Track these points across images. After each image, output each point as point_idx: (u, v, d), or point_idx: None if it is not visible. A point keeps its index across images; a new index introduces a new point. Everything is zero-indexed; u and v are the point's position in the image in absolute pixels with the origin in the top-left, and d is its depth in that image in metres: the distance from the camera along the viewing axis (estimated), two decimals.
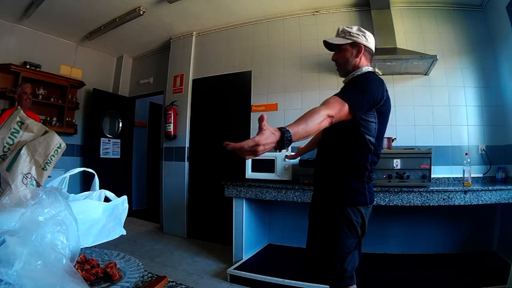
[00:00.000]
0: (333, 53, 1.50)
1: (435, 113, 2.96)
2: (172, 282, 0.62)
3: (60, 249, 0.48)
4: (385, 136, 2.75)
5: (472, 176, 2.41)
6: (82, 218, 0.60)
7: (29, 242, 0.44)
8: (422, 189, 2.24)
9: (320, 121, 1.10)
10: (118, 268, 0.60)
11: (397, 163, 2.46)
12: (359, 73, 1.40)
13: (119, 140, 4.86)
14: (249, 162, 3.00)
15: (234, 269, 2.55)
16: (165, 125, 4.02)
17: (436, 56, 2.60)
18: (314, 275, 1.43)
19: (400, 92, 3.05)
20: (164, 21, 3.82)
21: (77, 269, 0.50)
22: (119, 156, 4.85)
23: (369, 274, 2.42)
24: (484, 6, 3.00)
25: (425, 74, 3.00)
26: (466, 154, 2.52)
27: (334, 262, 1.31)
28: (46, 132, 0.84)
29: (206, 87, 3.97)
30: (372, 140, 1.33)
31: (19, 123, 0.82)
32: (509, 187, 2.25)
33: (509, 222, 2.59)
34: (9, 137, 0.80)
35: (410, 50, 2.86)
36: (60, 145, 0.83)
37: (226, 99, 3.84)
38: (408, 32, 3.11)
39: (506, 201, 2.25)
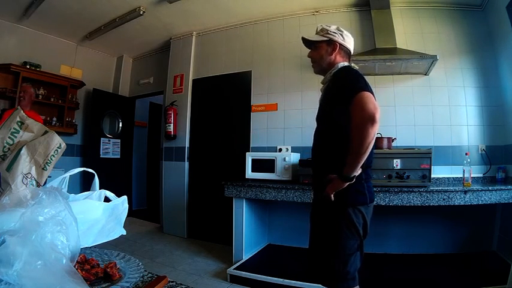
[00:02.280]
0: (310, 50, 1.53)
1: (435, 113, 2.96)
2: (172, 282, 0.62)
3: (60, 249, 0.48)
4: (385, 136, 2.78)
5: (472, 176, 2.41)
6: (82, 218, 0.60)
7: (29, 242, 0.44)
8: (422, 189, 2.24)
9: (364, 137, 1.17)
10: (118, 268, 0.60)
11: (397, 163, 2.46)
12: (336, 69, 1.42)
13: (119, 140, 4.86)
14: (249, 162, 3.00)
15: (234, 269, 2.54)
16: (165, 125, 4.02)
17: (436, 56, 2.60)
18: (317, 276, 1.42)
19: (400, 92, 3.06)
20: (164, 21, 3.82)
21: (77, 269, 0.50)
22: (119, 156, 4.85)
23: (369, 274, 2.42)
24: (484, 6, 3.00)
25: (425, 74, 3.00)
26: (466, 154, 2.51)
27: (337, 264, 1.30)
28: (46, 132, 0.84)
29: (206, 87, 3.97)
30: None
31: (19, 123, 0.82)
32: (509, 187, 2.25)
33: (509, 222, 2.59)
34: (9, 137, 0.80)
35: (410, 50, 2.86)
36: (60, 145, 0.83)
37: (227, 99, 3.84)
38: (408, 32, 3.11)
39: (506, 201, 2.25)
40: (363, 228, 1.34)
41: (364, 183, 1.34)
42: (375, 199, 2.26)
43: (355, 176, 1.25)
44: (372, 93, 1.28)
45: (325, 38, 1.44)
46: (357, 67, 1.49)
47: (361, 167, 1.29)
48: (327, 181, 1.33)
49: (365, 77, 1.39)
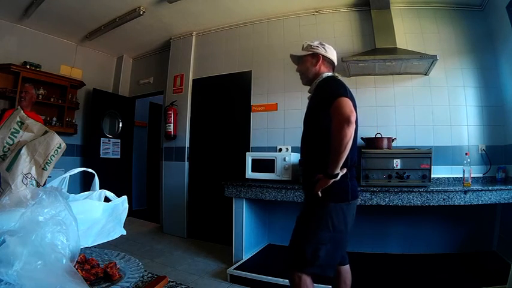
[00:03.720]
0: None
1: (435, 113, 2.96)
2: (172, 282, 0.62)
3: (60, 249, 0.48)
4: (385, 136, 2.78)
5: (472, 176, 2.41)
6: (82, 218, 0.60)
7: (29, 242, 0.44)
8: (422, 189, 2.24)
9: (340, 138, 1.30)
10: (118, 268, 0.60)
11: (397, 163, 2.46)
12: (320, 79, 1.57)
13: (119, 140, 4.86)
14: (249, 162, 3.00)
15: (234, 269, 2.54)
16: (165, 125, 4.02)
17: (436, 56, 2.60)
18: (289, 260, 1.50)
19: (400, 92, 3.06)
20: (164, 21, 3.82)
21: (77, 269, 0.50)
22: (119, 156, 4.85)
23: (369, 274, 2.42)
24: (484, 6, 3.00)
25: (425, 74, 3.00)
26: (466, 154, 2.52)
27: (308, 249, 1.41)
28: (46, 132, 0.84)
29: (206, 87, 3.97)
30: None
31: (19, 123, 0.82)
32: (509, 187, 2.25)
33: (509, 222, 2.59)
34: (9, 137, 0.80)
35: (410, 50, 2.86)
36: (60, 145, 0.83)
37: (227, 99, 3.84)
38: (408, 32, 3.11)
39: (506, 201, 2.25)
40: (343, 224, 1.44)
41: (348, 181, 1.46)
42: (376, 199, 2.29)
43: (338, 173, 1.38)
44: (352, 99, 1.44)
45: (310, 52, 1.62)
46: (340, 77, 1.66)
47: (346, 167, 1.42)
48: (316, 181, 1.45)
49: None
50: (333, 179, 1.38)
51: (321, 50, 1.60)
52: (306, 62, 1.63)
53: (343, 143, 1.31)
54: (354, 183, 1.51)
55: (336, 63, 1.68)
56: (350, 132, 1.30)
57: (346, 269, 1.65)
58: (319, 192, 1.42)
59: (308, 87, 1.67)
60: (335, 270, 1.54)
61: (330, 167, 1.37)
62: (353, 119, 1.31)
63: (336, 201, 1.43)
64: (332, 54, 1.64)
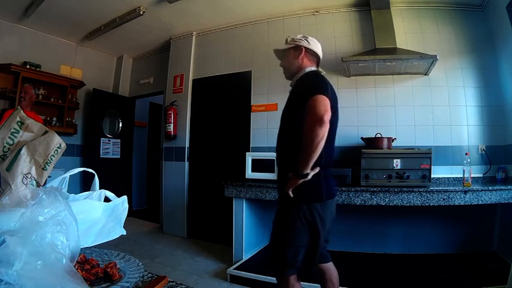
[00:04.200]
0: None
1: (435, 113, 2.96)
2: (172, 282, 0.62)
3: (60, 249, 0.48)
4: (385, 136, 2.78)
5: (472, 176, 2.41)
6: (82, 218, 0.60)
7: (29, 242, 0.44)
8: (422, 189, 2.24)
9: (313, 137, 1.25)
10: (118, 268, 0.60)
11: (397, 163, 2.46)
12: (302, 74, 1.53)
13: (119, 140, 4.86)
14: (249, 162, 3.00)
15: (234, 269, 2.55)
16: (165, 125, 4.02)
17: (436, 56, 2.60)
18: (273, 265, 1.50)
19: (400, 92, 3.06)
20: (164, 21, 3.82)
21: (77, 269, 0.50)
22: (119, 156, 4.85)
23: (369, 274, 2.43)
24: (484, 6, 3.00)
25: (425, 74, 3.00)
26: (466, 154, 2.52)
27: (289, 254, 1.39)
28: (46, 132, 0.84)
29: (206, 87, 3.97)
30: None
31: (19, 123, 0.82)
32: (509, 187, 2.25)
33: (509, 222, 2.59)
34: (9, 137, 0.80)
35: (410, 50, 2.86)
36: (60, 145, 0.83)
37: (227, 99, 3.84)
38: (408, 32, 3.11)
39: (506, 201, 2.25)
40: (320, 224, 1.40)
41: (322, 180, 1.41)
42: (376, 199, 2.29)
43: (308, 173, 1.33)
44: (334, 96, 1.40)
45: (292, 45, 1.57)
46: (324, 72, 1.58)
47: (319, 165, 1.37)
48: (287, 179, 1.41)
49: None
50: (303, 179, 1.34)
51: (303, 43, 1.55)
52: (289, 55, 1.58)
53: (314, 143, 1.25)
54: (330, 182, 1.47)
55: (320, 56, 1.62)
56: (322, 132, 1.25)
57: (329, 266, 1.62)
58: (290, 192, 1.38)
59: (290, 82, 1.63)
60: (316, 267, 1.54)
61: (299, 166, 1.33)
62: (327, 118, 1.25)
63: (308, 203, 1.39)
64: (316, 46, 1.59)
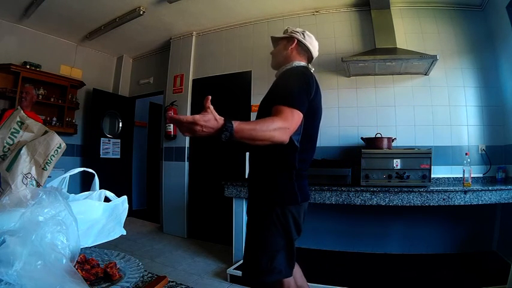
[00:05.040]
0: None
1: (435, 113, 2.96)
2: (172, 282, 0.62)
3: (60, 249, 0.48)
4: (385, 136, 2.77)
5: (472, 176, 2.40)
6: (82, 218, 0.60)
7: (29, 242, 0.44)
8: (422, 189, 2.24)
9: (272, 129, 1.11)
10: (118, 268, 0.60)
11: (397, 163, 2.46)
12: (289, 67, 1.46)
13: (119, 140, 4.86)
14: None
15: (234, 269, 2.54)
16: (165, 125, 4.02)
17: (436, 56, 2.60)
18: (246, 272, 1.44)
19: (400, 92, 3.05)
20: (164, 21, 3.82)
21: (77, 269, 0.50)
22: (119, 156, 4.84)
23: (369, 274, 2.43)
24: (484, 6, 3.00)
25: (425, 74, 3.00)
26: (466, 154, 2.51)
27: (263, 260, 1.31)
28: (46, 132, 0.84)
29: (206, 87, 3.96)
30: (298, 138, 1.28)
31: (19, 123, 0.82)
32: (509, 187, 2.25)
33: (509, 222, 2.59)
34: (9, 137, 0.80)
35: (410, 50, 2.85)
36: (60, 145, 0.83)
37: (227, 99, 3.82)
38: (408, 32, 3.11)
39: (506, 201, 2.25)
40: (294, 227, 1.32)
41: (294, 182, 1.32)
42: (376, 199, 2.29)
43: (231, 133, 1.04)
44: (317, 96, 1.34)
45: (287, 35, 1.53)
46: (313, 69, 1.49)
47: (293, 168, 1.30)
48: (261, 178, 1.36)
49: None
50: (219, 132, 1.04)
51: (298, 35, 1.50)
52: (280, 44, 1.56)
53: (266, 137, 1.10)
54: (304, 183, 1.38)
55: (314, 55, 1.55)
56: (277, 139, 1.12)
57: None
58: (171, 115, 1.06)
59: (275, 72, 1.58)
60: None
61: (240, 125, 1.07)
62: (289, 135, 1.16)
63: (283, 205, 1.30)
64: (311, 43, 1.51)
